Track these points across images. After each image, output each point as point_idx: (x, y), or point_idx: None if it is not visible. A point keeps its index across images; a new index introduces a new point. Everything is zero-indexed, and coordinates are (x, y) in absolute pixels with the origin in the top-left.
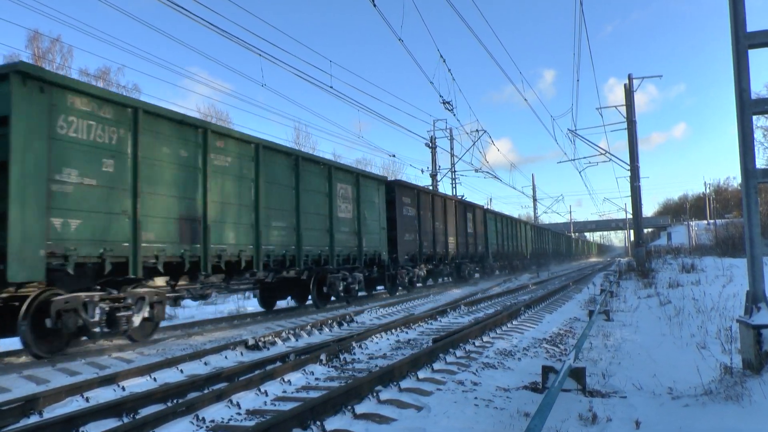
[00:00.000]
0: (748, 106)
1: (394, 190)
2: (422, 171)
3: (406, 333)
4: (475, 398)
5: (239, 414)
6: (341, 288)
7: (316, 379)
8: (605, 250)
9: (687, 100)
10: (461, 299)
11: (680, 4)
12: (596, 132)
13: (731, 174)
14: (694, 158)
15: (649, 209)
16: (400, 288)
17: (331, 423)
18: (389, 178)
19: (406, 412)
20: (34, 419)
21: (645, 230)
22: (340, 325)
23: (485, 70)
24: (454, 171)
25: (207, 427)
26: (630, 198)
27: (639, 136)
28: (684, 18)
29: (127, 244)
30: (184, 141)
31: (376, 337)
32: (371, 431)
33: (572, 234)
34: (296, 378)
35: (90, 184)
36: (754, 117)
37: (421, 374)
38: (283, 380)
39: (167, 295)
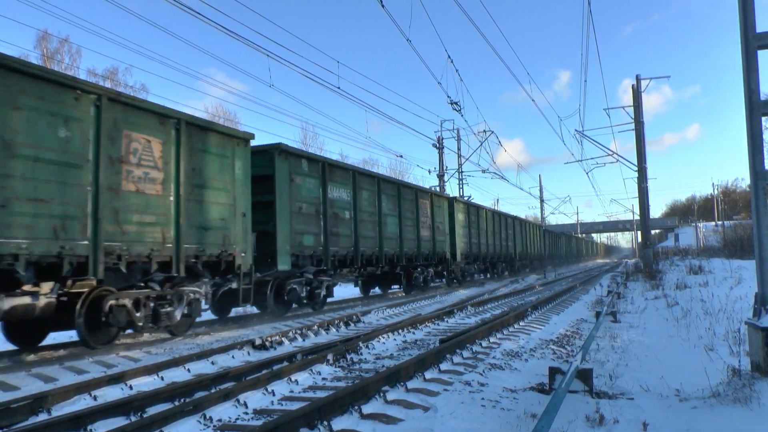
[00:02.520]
0: (757, 107)
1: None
2: (429, 171)
3: (413, 333)
4: (482, 399)
5: (246, 413)
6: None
7: (323, 379)
8: (612, 251)
9: (701, 101)
10: (468, 300)
11: (701, 5)
12: (604, 133)
13: (739, 175)
14: (704, 159)
15: (656, 210)
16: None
17: (338, 423)
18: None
19: (413, 413)
20: (42, 417)
21: (652, 231)
22: (347, 325)
23: (502, 71)
24: (461, 171)
25: (214, 426)
26: (637, 199)
27: (651, 137)
28: (704, 19)
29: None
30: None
31: (383, 338)
32: (378, 431)
33: (579, 235)
34: (303, 378)
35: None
36: (764, 118)
37: (428, 375)
38: (290, 380)
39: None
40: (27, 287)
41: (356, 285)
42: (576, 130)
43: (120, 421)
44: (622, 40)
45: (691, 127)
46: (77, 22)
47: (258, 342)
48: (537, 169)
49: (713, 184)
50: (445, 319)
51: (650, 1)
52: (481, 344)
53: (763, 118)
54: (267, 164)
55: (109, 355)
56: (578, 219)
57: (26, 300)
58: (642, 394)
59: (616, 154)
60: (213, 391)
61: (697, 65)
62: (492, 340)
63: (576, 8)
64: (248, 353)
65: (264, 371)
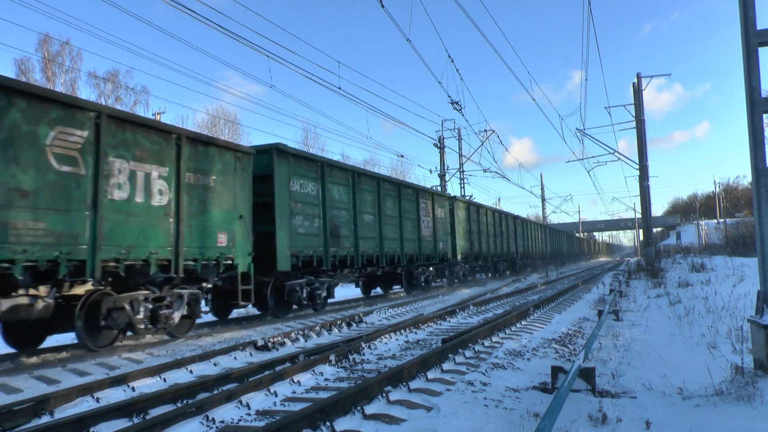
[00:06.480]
0: (758, 105)
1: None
2: (430, 171)
3: (416, 333)
4: (485, 399)
5: (249, 414)
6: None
7: (326, 379)
8: (615, 250)
9: (712, 99)
10: (470, 299)
11: (719, 4)
12: (607, 131)
13: (741, 173)
14: (711, 157)
15: (658, 208)
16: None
17: (341, 423)
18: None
19: (415, 413)
20: (45, 419)
21: (654, 229)
22: (349, 325)
23: (514, 70)
24: (463, 171)
25: (217, 427)
26: (639, 197)
27: (661, 135)
28: (720, 18)
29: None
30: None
31: (386, 338)
32: (381, 431)
33: (581, 234)
34: (306, 379)
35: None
36: (765, 115)
37: (431, 375)
38: (293, 381)
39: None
40: None
41: (356, 285)
42: (577, 129)
43: (123, 423)
44: (641, 39)
45: (700, 125)
46: (78, 24)
47: (260, 343)
48: (545, 168)
49: (715, 181)
50: (448, 319)
51: (670, 1)
52: (483, 344)
53: (765, 116)
54: None
55: (111, 356)
56: (580, 218)
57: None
58: (645, 393)
59: (617, 152)
60: (215, 392)
61: (708, 63)
62: (494, 339)
63: (587, 9)
64: (251, 354)
65: (266, 372)
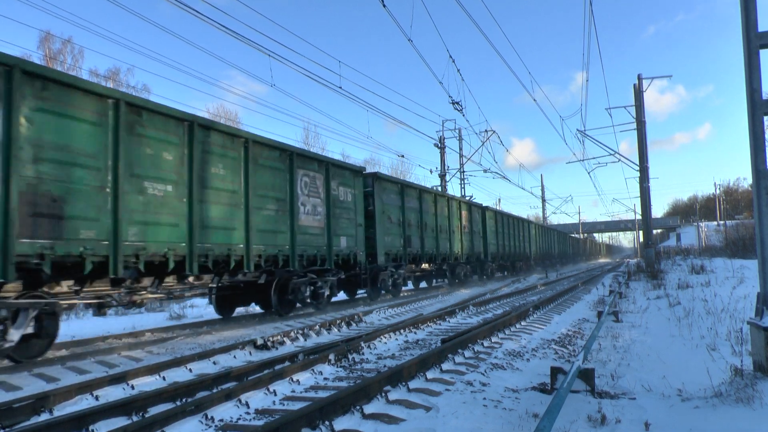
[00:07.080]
0: (759, 107)
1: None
2: (431, 171)
3: (415, 333)
4: (484, 399)
5: (248, 413)
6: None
7: (325, 379)
8: (614, 251)
9: (715, 101)
10: (470, 300)
11: (724, 6)
12: (608, 132)
13: (741, 174)
14: (713, 159)
15: (658, 210)
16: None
17: (340, 423)
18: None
19: (415, 413)
20: (44, 417)
21: (654, 231)
22: (348, 325)
23: (516, 71)
24: (463, 171)
25: (216, 426)
26: (639, 199)
27: (663, 137)
28: (727, 20)
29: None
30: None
31: (385, 338)
32: (380, 431)
33: (581, 234)
34: (305, 378)
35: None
36: (766, 117)
37: (430, 374)
38: (292, 380)
39: None
40: None
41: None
42: (578, 130)
43: (122, 421)
44: (644, 39)
45: (702, 127)
46: (80, 22)
47: (260, 342)
48: (546, 169)
49: (715, 183)
50: (447, 319)
51: (675, 2)
52: (482, 344)
53: (765, 118)
54: None
55: (110, 355)
56: (580, 219)
57: None
58: (644, 394)
59: (618, 153)
60: (215, 391)
61: (711, 65)
62: (494, 339)
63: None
64: (250, 353)
65: (266, 371)
